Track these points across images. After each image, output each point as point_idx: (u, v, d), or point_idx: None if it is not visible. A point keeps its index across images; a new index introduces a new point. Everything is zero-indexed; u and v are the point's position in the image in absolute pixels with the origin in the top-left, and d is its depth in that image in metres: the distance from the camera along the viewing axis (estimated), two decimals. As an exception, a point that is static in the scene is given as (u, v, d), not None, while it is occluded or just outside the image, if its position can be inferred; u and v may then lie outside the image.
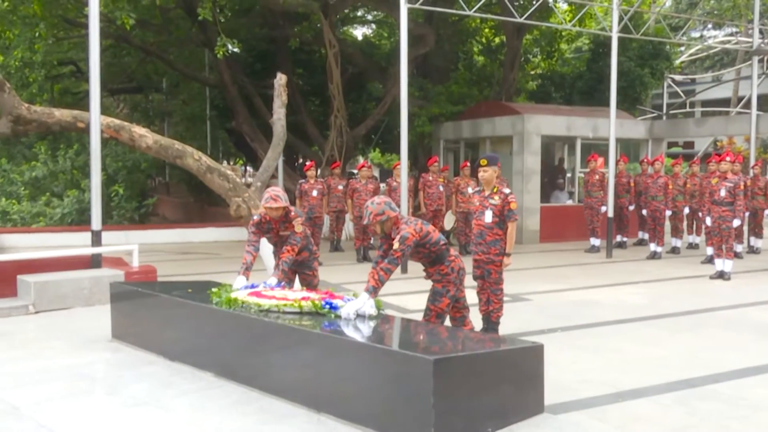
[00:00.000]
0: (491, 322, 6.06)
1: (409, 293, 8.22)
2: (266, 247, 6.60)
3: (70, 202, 14.43)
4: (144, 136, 8.53)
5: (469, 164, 12.02)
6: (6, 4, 12.47)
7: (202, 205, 18.53)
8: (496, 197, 5.87)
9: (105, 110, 11.11)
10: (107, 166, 14.87)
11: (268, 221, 5.61)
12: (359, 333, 4.39)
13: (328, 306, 4.67)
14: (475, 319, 6.13)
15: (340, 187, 11.90)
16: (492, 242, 5.88)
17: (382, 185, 12.63)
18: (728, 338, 6.22)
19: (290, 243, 5.55)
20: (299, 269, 5.99)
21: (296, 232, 5.54)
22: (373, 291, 4.60)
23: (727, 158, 9.65)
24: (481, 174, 5.97)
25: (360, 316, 4.62)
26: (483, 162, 5.95)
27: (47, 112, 8.48)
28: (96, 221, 8.03)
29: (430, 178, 12.02)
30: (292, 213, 5.61)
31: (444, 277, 5.01)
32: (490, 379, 3.90)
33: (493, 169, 5.93)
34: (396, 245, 4.66)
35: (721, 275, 9.55)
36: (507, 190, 5.94)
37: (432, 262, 5.02)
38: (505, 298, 6.24)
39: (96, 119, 7.89)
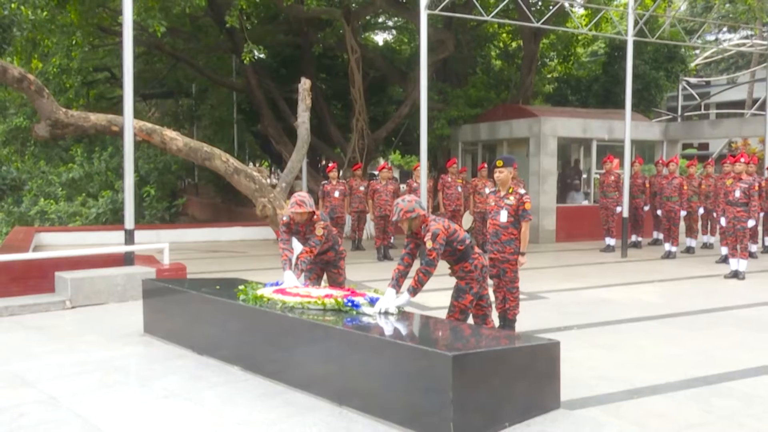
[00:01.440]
0: (508, 319, 6.02)
1: (431, 290, 8.20)
2: (297, 245, 6.69)
3: (104, 203, 14.65)
4: (174, 139, 8.62)
5: (486, 165, 11.96)
6: (45, 13, 12.68)
7: (230, 205, 18.69)
8: (512, 197, 5.84)
9: (137, 114, 11.27)
10: (139, 168, 15.06)
11: (295, 223, 5.71)
12: (381, 329, 4.39)
13: (350, 303, 4.69)
14: (492, 317, 6.11)
15: (362, 188, 11.91)
16: (507, 241, 5.84)
17: (402, 186, 12.60)
18: (743, 337, 6.11)
19: (309, 245, 5.62)
20: (326, 268, 6.04)
21: (316, 235, 5.61)
22: (413, 291, 4.67)
23: (742, 159, 9.48)
24: (496, 175, 5.93)
25: (383, 312, 4.63)
26: (499, 163, 5.92)
27: (83, 116, 8.61)
28: (129, 221, 8.13)
29: (449, 179, 11.98)
30: (315, 216, 5.67)
31: (467, 274, 5.01)
32: (507, 375, 3.88)
33: (508, 170, 5.90)
34: (429, 244, 4.68)
35: (736, 275, 9.38)
36: (522, 191, 5.90)
37: (457, 260, 5.01)
38: (521, 296, 6.20)
39: (129, 123, 7.99)
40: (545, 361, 4.10)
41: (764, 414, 4.16)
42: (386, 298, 4.69)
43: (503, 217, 5.84)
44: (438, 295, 7.91)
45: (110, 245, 9.80)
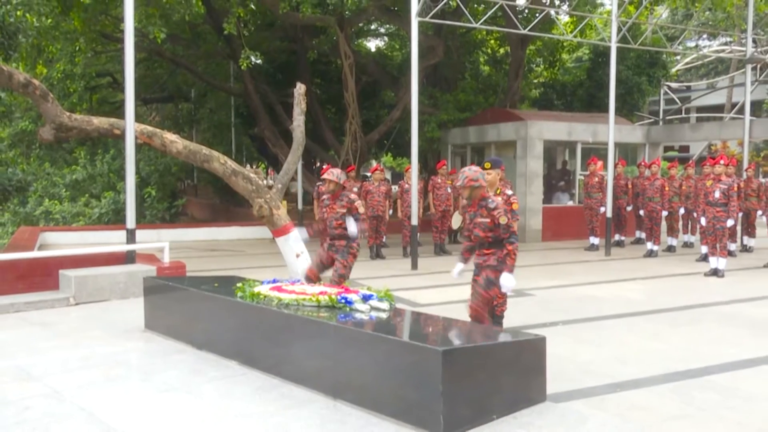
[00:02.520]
0: (496, 316, 6.03)
1: (419, 288, 8.23)
2: (291, 252, 6.74)
3: (106, 203, 14.60)
4: (174, 141, 8.59)
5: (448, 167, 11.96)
6: (49, 20, 12.62)
7: (228, 205, 18.67)
8: (499, 198, 5.85)
9: (139, 118, 11.22)
10: (141, 170, 15.02)
11: (324, 192, 6.25)
12: (373, 325, 4.40)
13: (343, 300, 4.69)
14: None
15: (355, 189, 11.89)
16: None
17: (394, 187, 12.63)
18: (723, 332, 6.14)
19: (337, 214, 6.09)
20: (336, 254, 6.16)
21: (360, 214, 6.10)
22: (513, 269, 4.85)
23: (721, 161, 9.54)
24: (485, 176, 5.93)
25: (375, 309, 4.64)
26: (487, 165, 5.91)
27: (86, 120, 8.57)
28: (131, 220, 8.11)
29: (439, 180, 12.00)
30: (352, 196, 6.14)
31: (499, 264, 4.91)
32: (495, 369, 3.90)
33: (496, 172, 5.89)
34: (504, 219, 4.81)
35: (715, 272, 9.42)
36: (509, 192, 5.92)
37: (493, 243, 4.93)
38: (508, 294, 6.21)
39: (131, 126, 7.97)
40: (532, 355, 4.12)
41: (744, 406, 4.20)
42: (456, 268, 5.17)
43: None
44: (427, 293, 7.94)
45: (112, 244, 9.77)
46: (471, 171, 4.98)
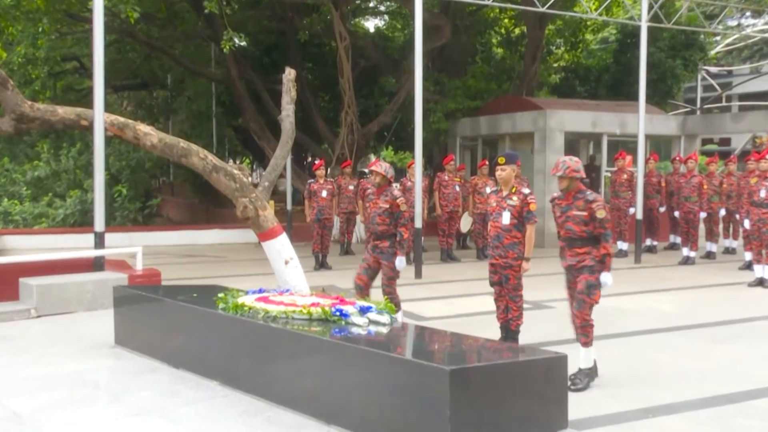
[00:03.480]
0: (510, 330, 6.05)
1: (424, 299, 8.24)
2: (279, 258, 6.78)
3: (72, 203, 14.64)
4: (148, 134, 8.60)
5: (487, 163, 12.02)
6: (9, -1, 12.68)
7: (208, 206, 18.68)
8: (515, 198, 5.85)
9: (108, 107, 11.23)
10: (110, 166, 15.05)
11: (370, 186, 6.57)
12: (372, 341, 4.42)
13: (338, 313, 4.70)
14: (494, 328, 6.14)
15: (351, 187, 11.94)
16: (510, 245, 5.86)
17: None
18: (768, 350, 6.12)
19: (402, 224, 6.35)
20: (381, 257, 6.41)
21: (402, 212, 6.34)
22: (609, 266, 5.10)
23: (767, 156, 9.54)
24: (498, 173, 5.94)
25: (374, 323, 4.66)
26: (501, 160, 5.94)
27: (50, 109, 8.58)
28: (99, 222, 8.14)
29: (446, 177, 12.02)
30: (396, 192, 6.42)
31: (597, 264, 5.14)
32: (510, 391, 3.91)
33: (511, 168, 5.91)
34: (602, 213, 5.07)
35: (761, 283, 9.42)
36: (526, 190, 5.91)
37: (587, 241, 5.16)
38: (525, 306, 6.22)
39: (100, 117, 7.99)
40: (551, 376, 4.12)
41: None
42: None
43: (506, 219, 5.86)
44: (433, 304, 7.96)
45: (79, 249, 9.77)
46: (572, 161, 5.24)
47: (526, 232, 5.85)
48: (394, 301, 6.43)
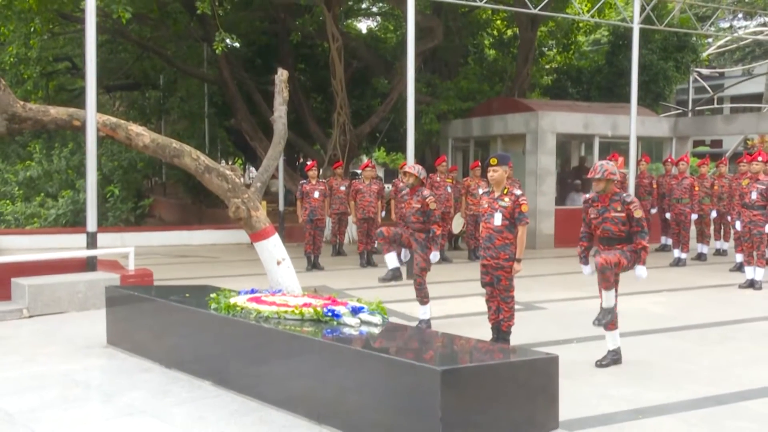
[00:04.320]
0: (502, 331, 6.08)
1: (416, 300, 8.24)
2: (271, 259, 6.79)
3: (64, 203, 14.59)
4: (141, 134, 8.59)
5: (479, 164, 12.05)
6: (1, -1, 12.64)
7: (200, 206, 18.66)
8: (507, 199, 5.88)
9: (101, 108, 11.22)
10: (103, 166, 15.01)
11: (403, 186, 6.85)
12: (363, 341, 4.44)
13: (330, 313, 4.72)
14: (485, 329, 6.17)
15: (343, 188, 11.95)
16: (501, 247, 5.89)
17: (387, 186, 12.68)
18: (760, 352, 6.14)
19: (434, 221, 6.62)
20: (415, 244, 6.70)
21: (433, 210, 6.61)
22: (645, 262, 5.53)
23: (759, 158, 9.56)
24: (490, 174, 5.97)
25: (366, 323, 4.68)
26: (493, 161, 5.97)
27: (42, 109, 8.57)
28: (91, 223, 8.13)
29: (438, 178, 12.04)
30: (425, 192, 6.65)
31: (632, 253, 5.52)
32: (501, 392, 3.93)
33: (503, 169, 5.94)
34: (639, 213, 5.44)
35: (752, 284, 9.41)
36: (518, 192, 5.93)
37: (624, 239, 5.52)
38: (516, 307, 6.25)
39: (92, 117, 7.98)
40: (542, 377, 4.15)
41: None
42: (586, 270, 5.88)
43: (497, 220, 5.89)
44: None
45: (71, 249, 9.76)
46: (609, 164, 5.55)
47: (517, 233, 5.88)
48: (422, 292, 6.76)
